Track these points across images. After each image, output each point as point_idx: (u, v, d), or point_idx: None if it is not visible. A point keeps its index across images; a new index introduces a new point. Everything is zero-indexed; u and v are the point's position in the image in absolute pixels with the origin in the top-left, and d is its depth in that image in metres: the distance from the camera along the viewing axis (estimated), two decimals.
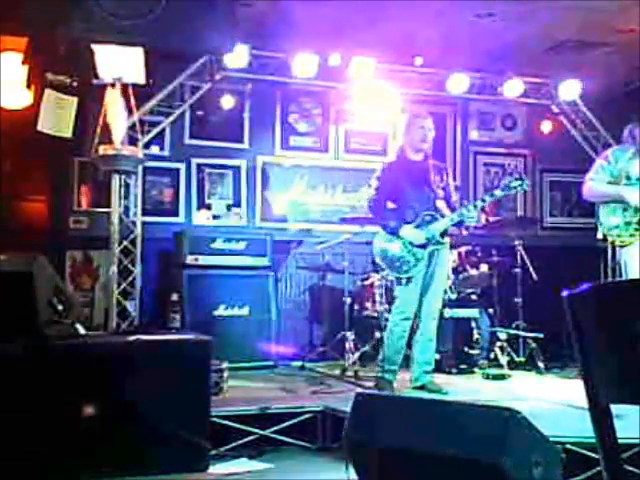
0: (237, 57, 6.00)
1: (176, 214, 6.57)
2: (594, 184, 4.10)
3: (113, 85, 5.37)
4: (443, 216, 4.55)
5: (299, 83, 6.59)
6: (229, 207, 6.70)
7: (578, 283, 1.50)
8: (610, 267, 6.63)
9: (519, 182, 4.44)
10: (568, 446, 3.12)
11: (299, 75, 6.33)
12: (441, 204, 4.63)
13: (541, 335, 5.64)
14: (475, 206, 4.53)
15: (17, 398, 3.20)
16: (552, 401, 4.30)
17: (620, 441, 1.51)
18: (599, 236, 4.13)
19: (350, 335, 5.60)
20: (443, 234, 4.55)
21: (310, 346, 6.38)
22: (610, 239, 4.07)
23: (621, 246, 4.04)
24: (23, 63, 5.09)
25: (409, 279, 4.54)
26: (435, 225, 4.53)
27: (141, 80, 5.39)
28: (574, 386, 4.34)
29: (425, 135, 4.65)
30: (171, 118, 6.31)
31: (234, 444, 3.78)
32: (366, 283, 5.94)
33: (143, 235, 6.10)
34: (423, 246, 4.53)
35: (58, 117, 5.41)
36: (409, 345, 4.72)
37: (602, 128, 7.04)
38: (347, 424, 2.56)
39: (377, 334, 5.56)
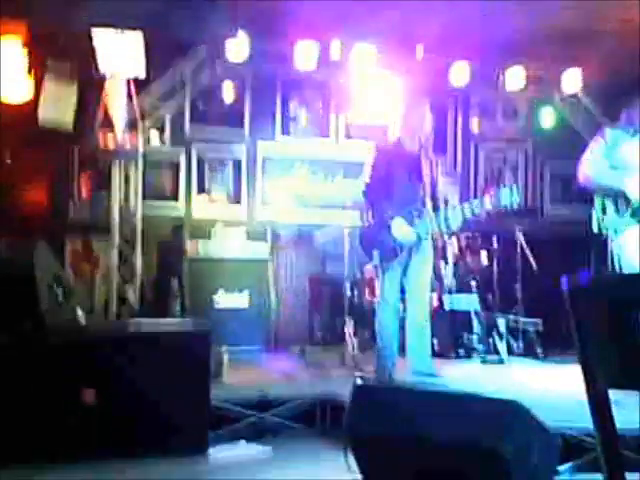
0: (237, 47, 5.94)
1: (176, 202, 6.56)
2: (594, 169, 4.06)
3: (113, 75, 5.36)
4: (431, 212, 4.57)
5: (299, 72, 6.56)
6: (229, 195, 6.70)
7: (577, 272, 1.51)
8: (610, 257, 6.63)
9: (510, 195, 4.42)
10: (567, 432, 3.14)
11: (300, 63, 6.30)
12: (428, 200, 4.64)
13: (539, 322, 5.66)
14: (462, 210, 4.53)
15: (17, 384, 3.21)
16: (550, 388, 4.32)
17: (618, 427, 1.53)
18: (593, 225, 4.13)
19: (350, 322, 5.62)
20: (426, 232, 4.56)
21: (310, 333, 6.40)
22: (603, 229, 4.07)
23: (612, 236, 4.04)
24: (23, 47, 5.06)
25: (388, 269, 4.57)
26: (421, 223, 4.54)
27: (141, 71, 5.37)
28: (572, 373, 4.36)
29: (422, 122, 4.63)
30: (171, 107, 6.29)
31: (233, 428, 3.80)
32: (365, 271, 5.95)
33: (143, 222, 6.10)
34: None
35: (58, 107, 5.40)
36: (403, 330, 4.74)
37: (603, 119, 7.02)
38: (346, 413, 2.58)
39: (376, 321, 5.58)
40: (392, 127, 4.80)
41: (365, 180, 4.75)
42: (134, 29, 4.95)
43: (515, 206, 4.46)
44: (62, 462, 3.18)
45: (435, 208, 4.62)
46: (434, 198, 4.66)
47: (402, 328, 4.73)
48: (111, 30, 5.06)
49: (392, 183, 4.61)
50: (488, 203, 4.43)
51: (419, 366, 4.60)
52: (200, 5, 4.81)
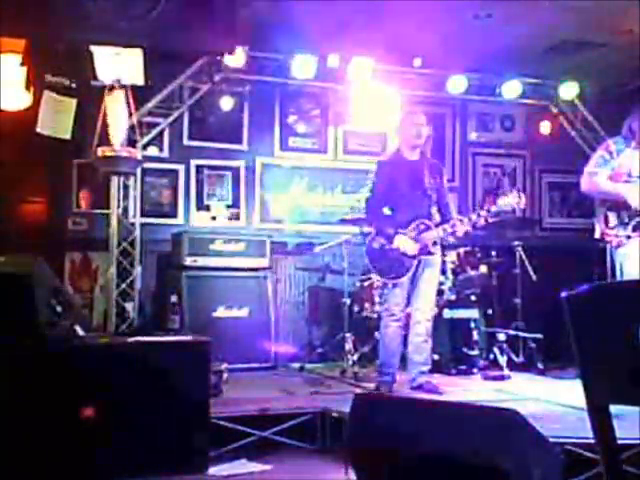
0: (235, 57, 5.99)
1: (175, 215, 6.57)
2: (596, 179, 4.06)
3: (112, 87, 5.37)
4: (437, 225, 4.56)
5: (298, 84, 6.59)
6: (228, 208, 6.70)
7: (577, 284, 1.50)
8: (609, 268, 6.62)
9: (516, 200, 4.41)
10: (568, 447, 3.12)
11: (298, 76, 6.33)
12: (434, 210, 4.64)
13: (540, 336, 5.63)
14: (469, 219, 4.52)
15: (16, 399, 3.19)
16: (551, 402, 4.30)
17: (619, 441, 1.51)
18: (596, 236, 4.13)
19: (349, 336, 5.59)
20: (434, 243, 4.56)
21: (309, 347, 6.37)
22: (607, 239, 4.06)
23: (617, 247, 4.03)
24: (22, 65, 5.09)
25: (396, 284, 4.56)
26: (428, 235, 4.53)
27: (140, 81, 5.38)
28: (573, 387, 4.34)
29: (419, 131, 4.63)
30: (170, 119, 6.32)
31: (233, 445, 3.78)
32: (365, 284, 5.93)
33: (142, 236, 6.10)
34: (413, 255, 4.53)
35: (57, 119, 5.40)
36: (405, 344, 4.73)
37: (601, 129, 7.04)
38: (347, 426, 2.56)
39: (376, 335, 5.55)
40: (390, 139, 4.83)
41: (367, 194, 4.77)
42: (133, 46, 4.96)
43: (522, 206, 4.45)
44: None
45: (443, 217, 4.62)
46: (442, 208, 4.66)
47: (404, 341, 4.73)
48: (110, 48, 5.07)
49: (395, 195, 4.62)
50: (495, 208, 4.42)
51: (419, 380, 4.58)
52: (199, 19, 4.81)
